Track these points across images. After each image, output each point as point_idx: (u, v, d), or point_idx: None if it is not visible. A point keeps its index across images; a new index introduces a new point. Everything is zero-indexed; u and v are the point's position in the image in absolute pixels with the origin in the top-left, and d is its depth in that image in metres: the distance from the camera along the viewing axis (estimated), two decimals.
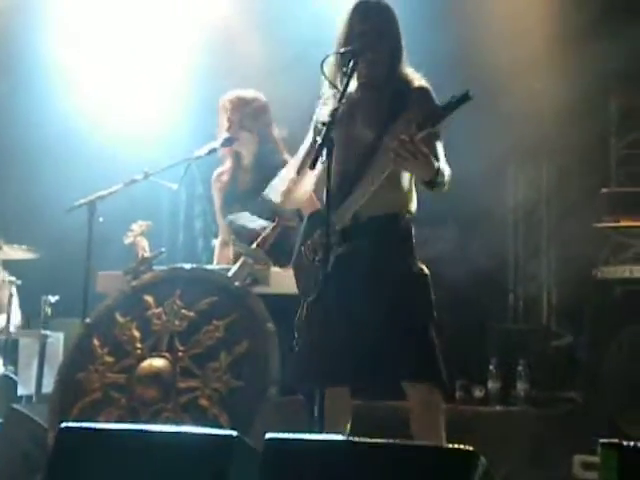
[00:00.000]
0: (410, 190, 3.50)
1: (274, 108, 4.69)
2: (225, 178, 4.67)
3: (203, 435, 2.69)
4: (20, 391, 5.92)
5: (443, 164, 3.36)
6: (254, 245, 4.12)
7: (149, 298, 4.01)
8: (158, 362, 3.84)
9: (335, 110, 3.19)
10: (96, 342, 4.00)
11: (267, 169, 4.56)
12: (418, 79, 3.49)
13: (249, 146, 4.59)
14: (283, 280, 4.13)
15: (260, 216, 4.38)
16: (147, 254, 4.27)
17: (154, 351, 3.88)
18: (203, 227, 6.54)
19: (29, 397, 5.88)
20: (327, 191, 3.13)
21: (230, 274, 4.00)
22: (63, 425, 2.88)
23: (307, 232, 3.56)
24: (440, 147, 3.41)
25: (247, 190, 4.59)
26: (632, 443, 2.30)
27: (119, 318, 4.01)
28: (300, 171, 3.56)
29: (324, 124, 3.13)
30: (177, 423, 3.58)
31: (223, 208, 4.66)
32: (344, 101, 3.35)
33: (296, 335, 3.45)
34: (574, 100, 5.73)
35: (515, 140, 6.17)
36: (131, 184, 4.51)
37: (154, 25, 6.58)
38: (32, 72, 6.59)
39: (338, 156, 3.47)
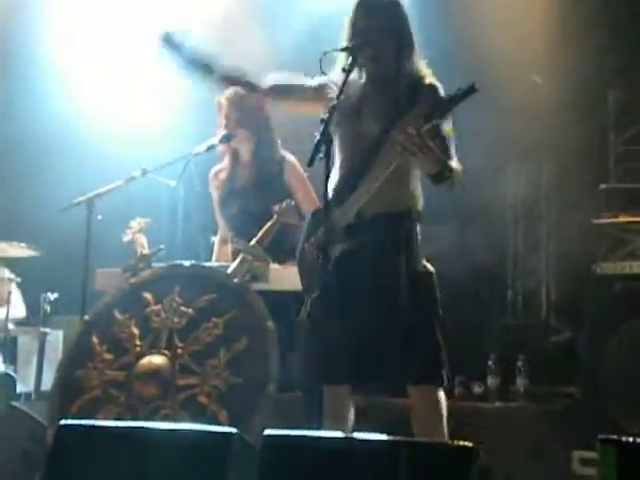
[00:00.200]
0: (416, 188, 3.49)
1: (274, 104, 4.68)
2: (223, 175, 4.67)
3: (202, 432, 2.70)
4: (19, 388, 5.92)
5: (454, 161, 3.36)
6: (253, 242, 4.12)
7: (148, 295, 4.01)
8: (157, 359, 3.84)
9: (333, 107, 3.19)
10: (95, 339, 4.00)
11: (266, 165, 4.56)
12: (429, 76, 3.49)
13: (247, 143, 4.59)
14: (282, 277, 4.14)
15: (259, 213, 4.37)
16: (146, 251, 4.27)
17: (153, 348, 3.88)
18: (202, 224, 6.54)
19: (28, 394, 5.88)
20: (325, 188, 3.13)
21: (229, 271, 3.99)
22: (62, 422, 2.89)
23: (311, 229, 3.55)
24: (450, 142, 3.41)
25: (245, 187, 4.58)
26: (631, 439, 2.30)
27: (118, 315, 4.01)
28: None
29: (322, 120, 3.12)
30: (176, 420, 3.58)
31: (221, 205, 4.66)
32: (351, 96, 3.37)
33: (299, 333, 3.45)
34: (573, 96, 5.74)
35: (514, 136, 6.17)
36: (129, 181, 4.51)
37: (150, 22, 6.57)
38: (31, 72, 6.59)
39: (344, 151, 3.47)
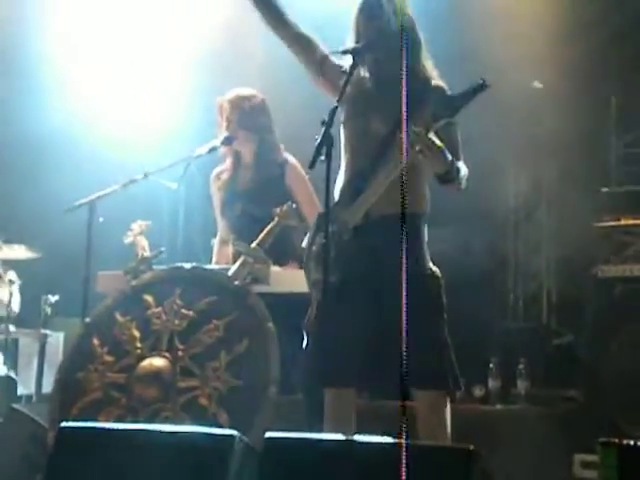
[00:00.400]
0: (424, 189, 3.48)
1: (276, 107, 4.69)
2: (225, 177, 4.67)
3: (203, 434, 2.69)
4: (20, 391, 5.92)
5: (461, 161, 3.36)
6: (254, 244, 4.12)
7: (149, 297, 4.01)
8: (158, 361, 3.84)
9: (335, 109, 3.19)
10: (96, 342, 4.00)
11: (267, 168, 4.56)
12: (436, 77, 3.49)
13: (249, 145, 4.59)
14: (283, 279, 4.14)
15: (260, 215, 4.37)
16: (147, 254, 4.27)
17: (154, 350, 3.88)
18: (203, 226, 6.54)
19: (29, 397, 5.88)
20: (326, 191, 3.12)
21: (230, 273, 3.99)
22: (63, 425, 2.89)
23: (319, 230, 3.53)
24: (458, 141, 3.40)
25: (247, 189, 4.58)
26: (631, 442, 2.30)
27: (119, 318, 4.01)
28: None
29: (323, 123, 3.11)
30: (177, 422, 3.58)
31: (223, 207, 4.66)
32: (356, 97, 3.36)
33: (305, 335, 3.44)
34: (574, 99, 5.74)
35: (515, 140, 6.17)
36: (131, 184, 4.51)
37: (154, 25, 6.58)
38: (31, 74, 6.59)
39: (351, 153, 3.46)
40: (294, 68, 3.76)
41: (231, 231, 4.59)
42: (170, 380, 3.78)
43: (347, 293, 3.33)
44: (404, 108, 3.22)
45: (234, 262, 4.15)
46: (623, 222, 5.33)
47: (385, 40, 3.40)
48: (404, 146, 3.17)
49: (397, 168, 3.26)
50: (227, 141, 4.52)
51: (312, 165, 3.10)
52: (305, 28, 3.64)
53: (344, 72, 3.34)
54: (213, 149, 4.51)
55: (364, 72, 3.51)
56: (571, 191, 6.02)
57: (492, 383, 5.34)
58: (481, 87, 3.16)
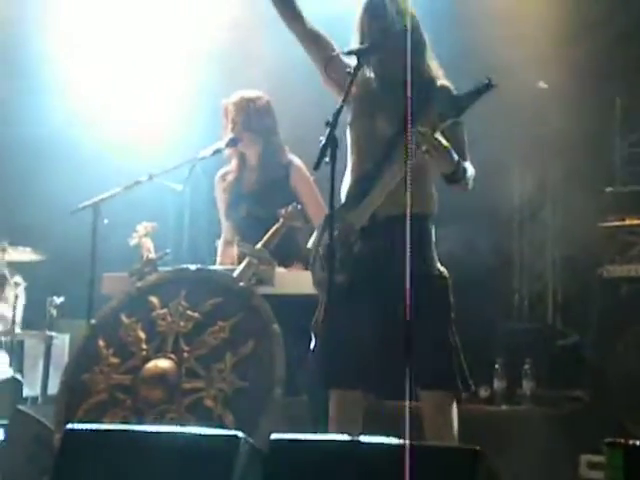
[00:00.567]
0: (431, 189, 3.48)
1: (281, 108, 4.69)
2: (230, 178, 4.67)
3: (208, 436, 2.70)
4: (26, 392, 5.92)
5: (467, 161, 3.36)
6: (259, 245, 4.12)
7: (154, 299, 4.01)
8: (163, 363, 3.84)
9: (339, 109, 3.19)
10: (101, 343, 4.00)
11: (272, 169, 4.56)
12: (442, 77, 3.49)
13: (254, 146, 4.59)
14: (288, 280, 4.14)
15: (265, 217, 4.37)
16: (152, 255, 4.28)
17: (159, 352, 3.88)
18: (208, 228, 6.55)
19: (35, 398, 5.88)
20: (331, 192, 3.11)
21: (235, 275, 4.00)
22: (69, 426, 2.89)
23: (325, 231, 3.52)
24: (464, 141, 3.40)
25: (252, 190, 4.59)
26: (638, 442, 2.30)
27: (124, 319, 4.01)
28: None
29: (328, 124, 3.11)
30: (182, 424, 3.57)
31: (228, 208, 4.66)
32: (362, 98, 3.36)
33: (313, 336, 3.44)
34: (579, 99, 5.73)
35: (521, 139, 6.17)
36: (135, 186, 4.51)
37: (158, 25, 6.58)
38: (36, 75, 6.60)
39: (357, 153, 3.46)
40: (300, 69, 3.76)
41: (236, 232, 4.59)
42: (175, 382, 3.79)
43: (354, 294, 3.33)
44: (409, 108, 3.22)
45: (239, 263, 4.15)
46: (628, 222, 5.33)
47: (389, 41, 3.39)
48: (410, 147, 3.17)
49: (403, 169, 3.25)
50: (232, 143, 4.52)
51: (317, 166, 3.10)
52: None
53: (350, 73, 3.34)
54: (218, 151, 4.51)
55: (369, 73, 3.51)
56: (576, 191, 6.02)
57: (497, 384, 5.34)
58: (487, 87, 3.15)
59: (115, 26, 6.57)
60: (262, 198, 4.51)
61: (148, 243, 4.36)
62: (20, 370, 6.10)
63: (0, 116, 6.66)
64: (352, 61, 3.36)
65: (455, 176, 3.28)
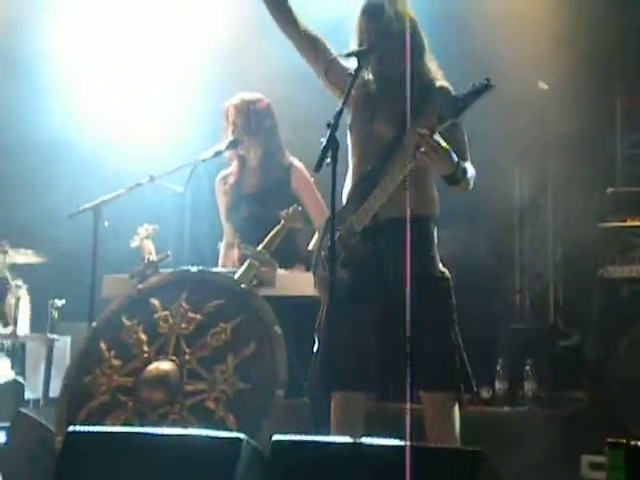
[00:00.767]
0: (432, 191, 3.48)
1: (283, 111, 4.69)
2: (231, 180, 4.68)
3: (210, 438, 2.70)
4: (27, 395, 5.92)
5: (468, 163, 3.36)
6: (260, 247, 4.13)
7: (155, 301, 4.02)
8: (165, 365, 3.84)
9: (340, 112, 3.19)
10: (103, 346, 4.00)
11: (273, 171, 4.57)
12: (441, 78, 3.49)
13: (254, 148, 4.59)
14: (289, 282, 4.14)
15: (266, 219, 4.37)
16: (153, 257, 4.28)
17: (161, 354, 3.88)
18: (209, 230, 6.55)
19: (36, 401, 5.88)
20: (332, 194, 3.11)
21: (236, 276, 4.00)
22: (70, 429, 2.89)
23: (327, 233, 3.53)
24: (464, 141, 3.40)
25: (253, 192, 4.59)
26: (639, 442, 2.30)
27: (125, 321, 4.01)
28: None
29: (329, 125, 3.11)
30: (184, 426, 3.58)
31: (229, 210, 4.66)
32: (362, 100, 3.37)
33: (316, 338, 3.44)
34: (580, 100, 5.73)
35: (521, 140, 6.17)
36: (137, 187, 4.52)
37: (162, 28, 6.58)
38: (36, 78, 6.60)
39: (357, 155, 3.46)
40: (302, 70, 3.76)
41: (237, 234, 4.60)
42: (177, 384, 3.79)
43: (355, 296, 3.33)
44: (409, 110, 3.23)
45: (240, 265, 4.15)
46: (629, 223, 5.33)
47: (388, 42, 3.40)
48: (409, 148, 3.17)
49: (404, 170, 3.26)
50: (233, 145, 4.53)
51: (318, 168, 3.11)
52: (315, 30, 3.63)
53: (350, 75, 3.34)
54: (219, 153, 4.51)
55: (368, 75, 3.51)
56: (577, 192, 6.02)
57: (499, 385, 5.34)
58: (485, 87, 3.15)
59: (117, 27, 6.57)
60: (263, 200, 4.52)
61: (149, 245, 4.36)
62: (22, 373, 6.10)
63: (0, 118, 6.66)
64: (352, 64, 3.36)
65: (455, 178, 3.28)
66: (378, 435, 2.56)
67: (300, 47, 3.60)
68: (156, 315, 3.98)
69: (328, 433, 3.12)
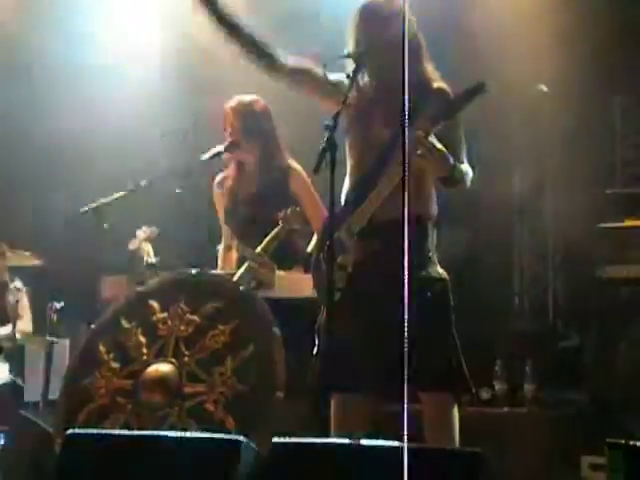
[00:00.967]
0: (430, 192, 3.48)
1: (280, 112, 4.69)
2: (228, 183, 4.67)
3: (209, 439, 2.70)
4: (26, 397, 5.92)
5: (464, 163, 3.35)
6: (259, 249, 4.12)
7: (154, 303, 4.01)
8: (164, 367, 3.83)
9: (338, 113, 3.19)
10: (102, 348, 3.99)
11: (270, 173, 4.56)
12: (438, 79, 3.48)
13: (252, 150, 4.58)
14: (288, 284, 4.14)
15: (264, 221, 4.37)
16: (152, 260, 4.28)
17: (160, 356, 3.88)
18: (208, 232, 6.55)
19: (35, 403, 5.88)
20: (331, 195, 3.11)
21: (235, 278, 4.00)
22: (70, 431, 2.89)
23: (326, 235, 3.52)
24: (461, 142, 3.39)
25: (251, 194, 4.59)
26: (639, 443, 2.30)
27: (124, 324, 4.00)
28: None
29: (327, 127, 3.11)
30: (183, 428, 3.57)
31: (227, 213, 4.66)
32: (359, 101, 3.37)
33: (306, 339, 3.44)
34: (579, 100, 5.73)
35: (520, 140, 6.17)
36: (136, 190, 4.52)
37: (160, 28, 6.58)
38: (37, 79, 6.60)
39: (354, 157, 3.47)
40: None
41: (235, 237, 4.60)
42: (176, 386, 3.78)
43: (354, 297, 3.33)
44: (405, 112, 3.22)
45: (239, 267, 4.15)
46: (628, 224, 5.33)
47: (384, 44, 3.39)
48: (406, 150, 3.17)
49: (400, 172, 3.26)
50: (231, 147, 4.53)
51: (316, 170, 3.11)
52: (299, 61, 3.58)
53: (347, 76, 3.33)
54: (217, 154, 4.51)
55: (365, 77, 3.51)
56: (576, 192, 6.02)
57: (499, 386, 5.35)
58: (479, 89, 3.15)
59: (117, 27, 6.57)
60: (261, 202, 4.51)
61: (148, 247, 4.36)
62: (21, 375, 6.10)
63: (0, 121, 6.66)
64: (349, 66, 3.36)
65: (451, 179, 3.28)
66: (377, 436, 2.56)
67: (291, 85, 3.60)
68: (155, 317, 3.97)
69: (328, 434, 3.12)
